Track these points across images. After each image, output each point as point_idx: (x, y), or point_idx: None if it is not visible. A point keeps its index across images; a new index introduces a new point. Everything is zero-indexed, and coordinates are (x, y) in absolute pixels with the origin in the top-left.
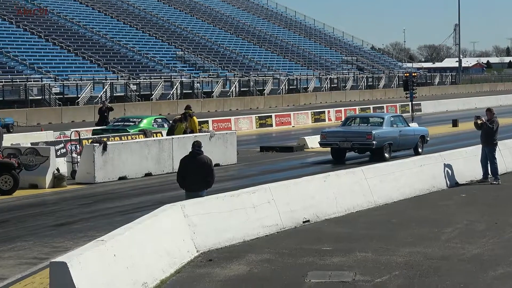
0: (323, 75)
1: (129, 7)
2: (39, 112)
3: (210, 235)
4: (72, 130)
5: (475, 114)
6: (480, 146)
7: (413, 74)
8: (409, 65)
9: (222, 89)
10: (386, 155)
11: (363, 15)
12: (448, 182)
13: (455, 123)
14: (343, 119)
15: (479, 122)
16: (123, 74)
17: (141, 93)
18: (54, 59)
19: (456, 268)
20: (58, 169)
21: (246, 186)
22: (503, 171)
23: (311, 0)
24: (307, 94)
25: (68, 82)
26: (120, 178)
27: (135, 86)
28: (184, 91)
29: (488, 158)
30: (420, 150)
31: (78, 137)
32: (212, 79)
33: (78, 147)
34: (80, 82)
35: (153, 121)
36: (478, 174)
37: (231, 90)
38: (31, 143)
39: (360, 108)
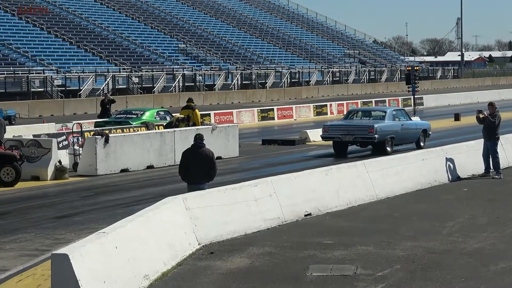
0: (325, 68)
1: None
2: (41, 104)
3: (212, 228)
4: (74, 122)
5: (477, 108)
6: (482, 140)
7: (415, 68)
8: (411, 59)
9: (224, 82)
10: (388, 149)
11: (366, 9)
12: (450, 176)
13: (457, 117)
14: (345, 112)
15: (481, 116)
16: (125, 67)
17: (143, 85)
18: (56, 51)
19: (457, 262)
20: (60, 161)
21: (248, 179)
22: (505, 165)
23: None
24: (309, 87)
25: (70, 74)
26: (122, 171)
27: (137, 78)
28: (186, 84)
29: (490, 152)
30: (422, 144)
31: (80, 129)
32: (214, 72)
33: (80, 139)
34: (82, 74)
35: (155, 114)
36: (480, 168)
37: (233, 83)
38: (33, 135)
39: (362, 101)
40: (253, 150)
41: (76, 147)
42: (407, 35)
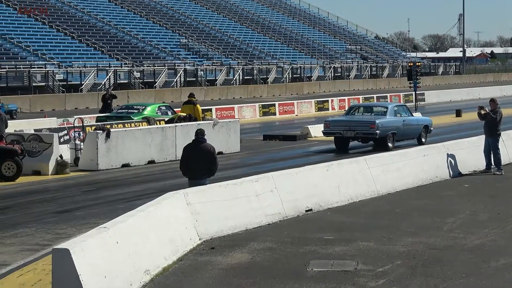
0: (327, 64)
1: None
2: (42, 98)
3: (213, 223)
4: (75, 117)
5: (478, 104)
6: (483, 136)
7: (417, 63)
8: (413, 54)
9: (225, 77)
10: (390, 144)
11: (368, 4)
12: (451, 172)
13: (458, 113)
14: (346, 108)
15: (482, 112)
16: (127, 61)
17: (144, 80)
18: (58, 46)
19: (458, 258)
20: (61, 156)
21: (249, 174)
22: (506, 161)
23: None
24: (310, 83)
25: (71, 69)
26: (123, 166)
27: (139, 73)
28: (187, 79)
29: (491, 148)
30: (423, 140)
31: (81, 124)
32: (215, 67)
33: (82, 134)
34: (83, 69)
35: (157, 109)
36: (481, 164)
37: (234, 78)
38: (35, 130)
39: (364, 97)
40: (254, 145)
41: (77, 141)
42: (409, 31)
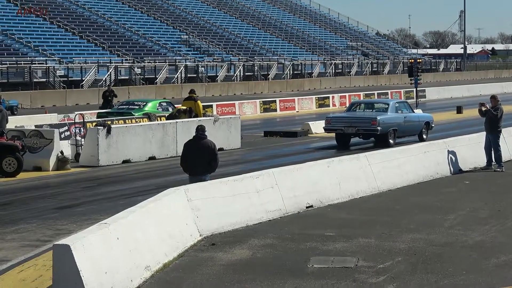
0: (328, 60)
1: None
2: (43, 94)
3: (213, 220)
4: (76, 113)
5: (479, 101)
6: (484, 133)
7: (418, 60)
8: (414, 51)
9: (226, 73)
10: (391, 141)
11: (369, 1)
12: (451, 169)
13: (459, 110)
14: (347, 104)
15: (483, 109)
16: (128, 58)
17: (145, 76)
18: (58, 42)
19: (458, 255)
20: (62, 152)
21: (250, 170)
22: (507, 158)
23: None
24: (311, 79)
25: (72, 65)
26: (124, 162)
27: (140, 69)
28: (188, 75)
29: (492, 145)
30: (424, 136)
31: (82, 120)
32: (216, 63)
33: (82, 130)
34: (84, 65)
35: (158, 105)
36: (482, 161)
37: (235, 75)
38: (35, 126)
39: (365, 94)
40: (255, 141)
41: (78, 137)
42: (410, 28)
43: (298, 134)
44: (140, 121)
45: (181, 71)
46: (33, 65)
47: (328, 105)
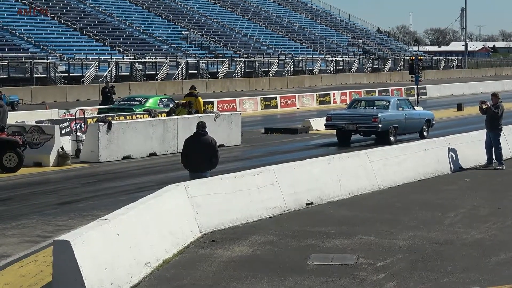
0: (329, 57)
1: None
2: (44, 90)
3: (214, 216)
4: (77, 108)
5: (480, 99)
6: (485, 131)
7: (419, 57)
8: (415, 48)
9: (227, 70)
10: (392, 138)
11: None
12: (452, 166)
13: (460, 108)
14: (348, 101)
15: (484, 106)
16: (129, 54)
17: (146, 72)
18: (59, 37)
19: (458, 253)
20: (62, 148)
21: (250, 167)
22: (508, 156)
23: None
24: (312, 76)
25: (73, 60)
26: (125, 158)
27: (141, 65)
28: (189, 72)
29: (493, 143)
30: (425, 134)
31: (83, 116)
32: (217, 59)
33: (83, 126)
34: (85, 61)
35: (158, 101)
36: (482, 159)
37: (236, 71)
38: (36, 121)
39: (365, 91)
40: (256, 138)
41: (78, 133)
42: (411, 25)
43: (298, 131)
44: (141, 117)
45: (182, 67)
46: (34, 60)
47: (329, 102)
